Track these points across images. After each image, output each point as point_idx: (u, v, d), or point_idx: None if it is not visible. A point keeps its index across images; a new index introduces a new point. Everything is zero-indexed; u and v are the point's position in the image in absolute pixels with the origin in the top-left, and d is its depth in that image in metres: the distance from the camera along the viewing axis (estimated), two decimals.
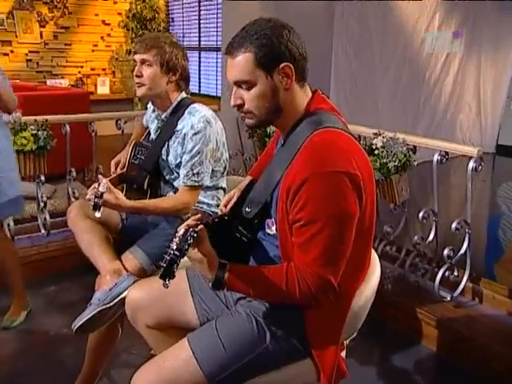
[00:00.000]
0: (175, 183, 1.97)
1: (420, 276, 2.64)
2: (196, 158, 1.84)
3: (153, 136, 2.03)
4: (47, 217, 3.11)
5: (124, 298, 1.66)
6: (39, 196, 3.12)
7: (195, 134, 1.83)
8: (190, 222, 1.18)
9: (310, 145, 1.15)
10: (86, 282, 3.01)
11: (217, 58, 5.72)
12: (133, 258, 1.80)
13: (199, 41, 6.53)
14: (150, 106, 2.07)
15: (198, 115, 1.86)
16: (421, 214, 2.49)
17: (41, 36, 6.15)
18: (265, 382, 1.24)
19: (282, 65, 1.16)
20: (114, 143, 3.50)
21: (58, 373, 2.20)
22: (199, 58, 6.69)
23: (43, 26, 6.15)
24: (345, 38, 4.79)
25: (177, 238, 1.08)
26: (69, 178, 3.23)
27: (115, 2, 6.47)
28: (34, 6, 6.02)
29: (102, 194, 1.52)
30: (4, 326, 2.46)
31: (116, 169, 2.05)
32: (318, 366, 1.22)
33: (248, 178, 1.52)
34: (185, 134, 1.86)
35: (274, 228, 1.26)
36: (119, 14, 6.51)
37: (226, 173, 2.02)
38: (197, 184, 1.85)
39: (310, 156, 1.13)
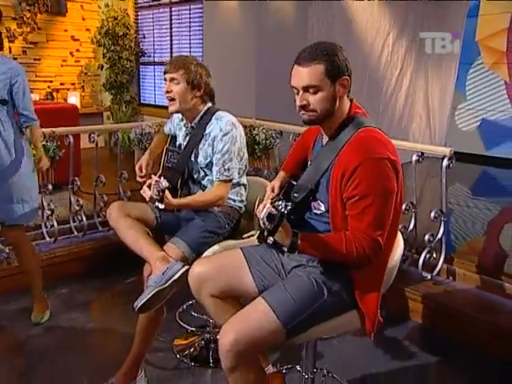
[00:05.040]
0: (203, 181, 2.27)
1: (402, 262, 3.05)
2: (226, 156, 2.15)
3: (181, 142, 2.32)
4: (55, 224, 3.28)
5: (175, 281, 1.94)
6: (45, 204, 3.28)
7: (224, 135, 2.15)
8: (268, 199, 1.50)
9: (358, 139, 1.51)
10: (94, 285, 3.22)
11: None
12: (175, 247, 2.06)
13: (171, 57, 6.75)
14: (177, 115, 2.35)
15: (224, 120, 2.18)
16: (403, 207, 2.89)
17: (10, 51, 6.18)
18: (321, 330, 1.56)
19: (343, 77, 1.52)
20: (89, 156, 3.71)
21: (102, 361, 2.40)
22: None
23: (12, 42, 6.16)
24: None
25: (266, 210, 1.34)
26: (71, 187, 3.39)
27: (84, 19, 6.61)
28: (3, 22, 6.04)
29: (165, 188, 1.81)
30: (34, 322, 2.64)
31: (141, 172, 2.31)
32: (363, 313, 1.55)
33: (283, 173, 1.85)
34: (214, 137, 2.16)
35: (322, 208, 1.59)
36: (87, 30, 6.64)
37: (246, 171, 2.33)
38: (228, 178, 2.16)
39: (360, 147, 1.49)
